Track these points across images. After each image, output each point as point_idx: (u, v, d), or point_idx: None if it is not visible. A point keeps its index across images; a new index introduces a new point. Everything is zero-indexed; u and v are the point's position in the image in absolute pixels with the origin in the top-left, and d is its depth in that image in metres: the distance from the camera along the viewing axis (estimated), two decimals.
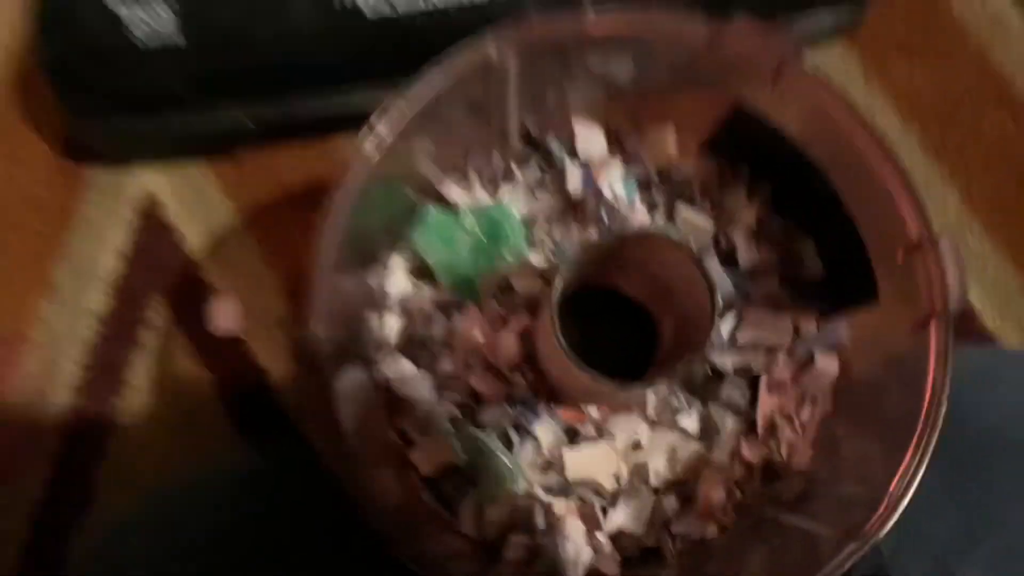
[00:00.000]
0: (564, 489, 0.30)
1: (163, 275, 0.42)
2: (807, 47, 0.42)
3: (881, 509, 0.23)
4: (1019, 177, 0.43)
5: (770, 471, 0.30)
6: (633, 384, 0.24)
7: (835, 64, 0.44)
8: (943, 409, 0.24)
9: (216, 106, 0.38)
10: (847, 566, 0.23)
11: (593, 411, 0.31)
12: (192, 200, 0.42)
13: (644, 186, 0.32)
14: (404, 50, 0.37)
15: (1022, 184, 0.43)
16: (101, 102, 0.37)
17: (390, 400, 0.30)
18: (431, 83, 0.26)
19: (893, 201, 0.26)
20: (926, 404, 0.24)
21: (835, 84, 0.28)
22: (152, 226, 0.42)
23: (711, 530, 0.30)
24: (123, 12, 0.36)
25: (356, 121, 0.41)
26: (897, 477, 0.23)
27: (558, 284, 0.25)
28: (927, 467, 0.24)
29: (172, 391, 0.41)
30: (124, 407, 0.40)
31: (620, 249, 0.26)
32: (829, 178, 0.28)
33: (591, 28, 0.26)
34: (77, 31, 0.36)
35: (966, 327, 0.42)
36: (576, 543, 0.28)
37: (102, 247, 0.42)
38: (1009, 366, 0.34)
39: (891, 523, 0.23)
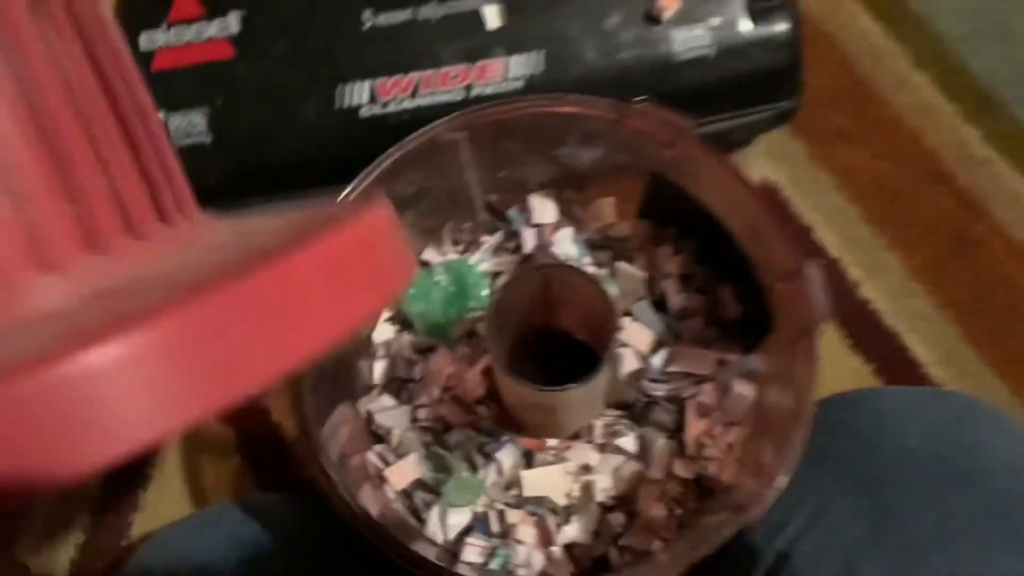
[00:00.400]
0: (522, 504, 0.34)
1: None
2: (754, 138, 0.48)
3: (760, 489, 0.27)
4: (954, 243, 0.48)
5: (705, 489, 0.34)
6: (551, 388, 0.29)
7: (783, 149, 0.50)
8: (809, 408, 0.28)
9: (243, 198, 0.45)
10: (726, 534, 0.27)
11: (552, 441, 0.35)
12: None
13: (592, 247, 0.37)
14: (392, 143, 0.44)
15: (957, 249, 0.48)
16: None
17: (370, 428, 0.35)
18: (391, 156, 0.33)
19: (772, 241, 0.31)
20: (796, 403, 0.28)
21: (717, 149, 0.33)
22: None
23: (656, 544, 0.34)
24: (164, 118, 0.43)
25: None
26: (770, 463, 0.27)
27: (490, 309, 0.30)
28: (801, 456, 0.28)
29: (197, 446, 0.46)
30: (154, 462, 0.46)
31: (546, 286, 0.32)
32: (729, 229, 0.33)
33: (522, 110, 0.33)
34: None
35: (911, 376, 0.46)
36: (528, 548, 0.33)
37: None
38: (928, 399, 0.38)
39: (766, 501, 0.27)
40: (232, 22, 0.44)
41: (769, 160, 0.49)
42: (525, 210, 0.38)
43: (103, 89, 0.18)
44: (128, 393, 0.12)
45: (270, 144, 0.44)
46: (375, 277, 0.16)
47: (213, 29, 0.44)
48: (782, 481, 0.28)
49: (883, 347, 0.46)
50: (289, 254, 0.14)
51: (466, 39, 0.43)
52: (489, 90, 0.43)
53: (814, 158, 0.49)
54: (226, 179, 0.44)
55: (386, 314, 0.37)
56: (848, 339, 0.47)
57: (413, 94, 0.43)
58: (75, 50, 0.17)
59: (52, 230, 0.15)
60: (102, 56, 0.18)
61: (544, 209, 0.37)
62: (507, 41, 0.43)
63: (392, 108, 0.43)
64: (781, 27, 0.44)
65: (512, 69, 0.43)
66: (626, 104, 0.33)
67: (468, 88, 0.43)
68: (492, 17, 0.43)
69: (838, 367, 0.46)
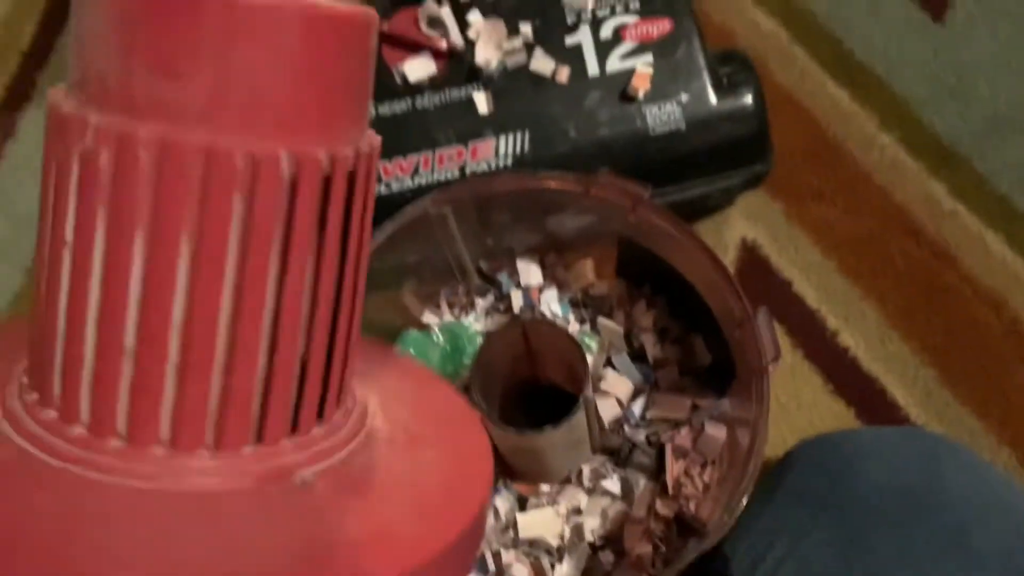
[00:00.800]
0: (517, 545, 0.37)
1: None
2: (731, 200, 0.52)
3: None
4: (926, 291, 0.51)
5: (686, 526, 0.37)
6: (529, 430, 0.33)
7: (761, 209, 0.53)
8: (761, 442, 0.31)
9: None
10: (689, 557, 0.30)
11: (545, 487, 0.38)
12: None
13: (574, 305, 0.41)
14: None
15: (929, 296, 0.50)
16: None
17: None
18: (385, 231, 0.37)
19: (726, 294, 0.35)
20: (749, 441, 0.31)
21: (671, 214, 0.37)
22: None
23: None
24: None
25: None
26: (728, 496, 0.30)
27: (474, 362, 0.34)
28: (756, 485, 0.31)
29: None
30: None
31: (525, 339, 0.35)
32: (693, 284, 0.37)
33: (500, 186, 0.37)
34: None
35: (892, 419, 0.48)
36: None
37: None
38: (899, 438, 0.41)
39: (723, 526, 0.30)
40: None
41: (748, 220, 0.53)
42: (514, 273, 0.41)
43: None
44: None
45: None
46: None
47: None
48: (738, 507, 0.30)
49: (863, 391, 0.49)
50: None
51: (460, 123, 0.48)
52: (482, 168, 0.47)
53: (791, 216, 0.53)
54: None
55: None
56: (829, 384, 0.49)
57: (413, 174, 0.47)
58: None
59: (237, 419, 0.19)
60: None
61: (530, 272, 0.41)
62: (496, 123, 0.47)
63: (395, 188, 0.48)
64: (746, 99, 0.48)
65: (501, 148, 0.47)
66: (590, 176, 0.37)
67: (463, 168, 0.47)
68: (482, 103, 0.47)
69: (821, 411, 0.49)
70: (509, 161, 0.47)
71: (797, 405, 0.49)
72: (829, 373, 0.50)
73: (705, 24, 0.50)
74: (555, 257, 0.41)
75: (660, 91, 0.47)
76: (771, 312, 0.34)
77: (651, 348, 0.39)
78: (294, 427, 0.20)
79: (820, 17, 0.57)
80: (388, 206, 0.48)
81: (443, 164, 0.47)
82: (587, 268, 0.41)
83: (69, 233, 0.18)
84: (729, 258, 0.53)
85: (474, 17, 0.48)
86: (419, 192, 0.47)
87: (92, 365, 0.18)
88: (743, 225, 0.53)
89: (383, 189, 0.47)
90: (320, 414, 0.20)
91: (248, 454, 0.19)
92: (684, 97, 0.47)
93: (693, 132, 0.47)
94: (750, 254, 0.52)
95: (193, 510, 0.17)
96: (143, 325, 0.18)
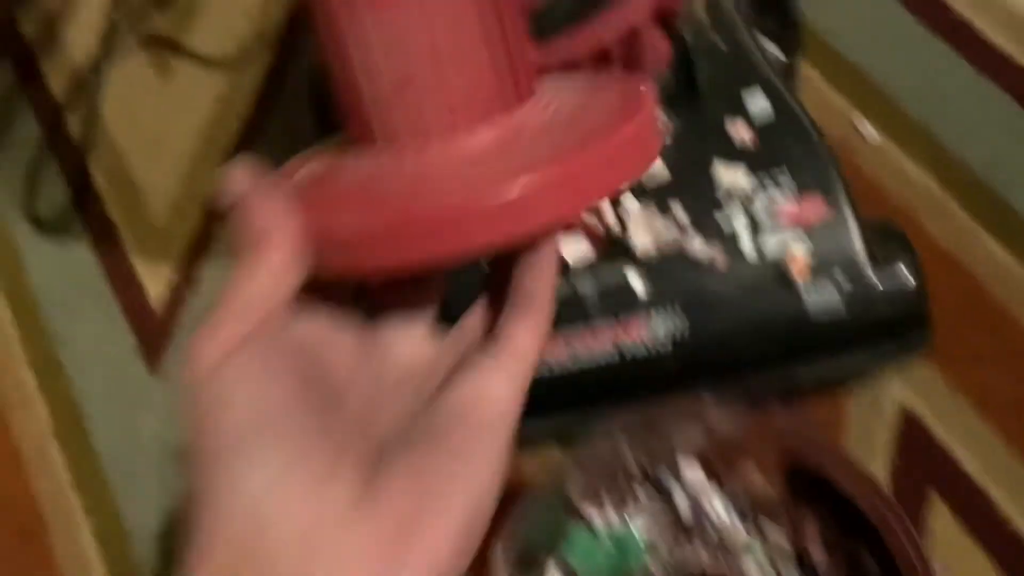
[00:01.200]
0: None
1: None
2: (878, 373, 0.51)
3: None
4: None
5: None
6: None
7: (918, 379, 0.52)
8: None
9: None
10: None
11: None
12: None
13: (739, 510, 0.42)
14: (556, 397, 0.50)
15: None
16: None
17: None
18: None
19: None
20: None
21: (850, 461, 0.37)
22: None
23: None
24: None
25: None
26: None
27: None
28: None
29: None
30: None
31: None
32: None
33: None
34: None
35: None
36: None
37: None
38: None
39: None
40: None
41: (906, 387, 0.52)
42: (676, 472, 0.42)
43: None
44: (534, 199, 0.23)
45: None
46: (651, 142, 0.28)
47: None
48: None
49: None
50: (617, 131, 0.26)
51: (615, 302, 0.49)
52: (641, 352, 0.48)
53: (951, 383, 0.52)
54: None
55: (557, 572, 0.42)
56: (999, 568, 0.48)
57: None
58: None
59: (492, 93, 0.27)
60: None
61: (692, 470, 0.42)
62: (652, 302, 0.48)
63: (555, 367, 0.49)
64: (906, 280, 0.48)
65: (660, 330, 0.48)
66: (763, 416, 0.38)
67: (618, 347, 0.48)
68: (638, 284, 0.48)
69: None
70: (668, 343, 0.48)
71: None
72: (998, 555, 0.48)
73: (852, 176, 0.50)
74: (715, 452, 0.42)
75: (817, 274, 0.47)
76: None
77: (820, 560, 0.39)
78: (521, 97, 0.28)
79: (975, 167, 0.56)
80: (544, 385, 0.49)
81: (599, 343, 0.49)
82: (749, 468, 0.41)
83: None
84: (888, 427, 0.52)
85: (629, 203, 0.49)
86: (574, 372, 0.49)
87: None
88: (901, 393, 0.52)
89: (542, 370, 0.49)
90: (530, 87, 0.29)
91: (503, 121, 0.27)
92: (842, 280, 0.47)
93: (852, 315, 0.47)
94: (910, 424, 0.52)
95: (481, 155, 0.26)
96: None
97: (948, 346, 0.52)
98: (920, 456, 0.51)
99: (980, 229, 0.55)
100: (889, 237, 0.49)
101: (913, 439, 0.51)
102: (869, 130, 0.59)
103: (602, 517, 0.42)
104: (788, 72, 0.58)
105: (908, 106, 0.59)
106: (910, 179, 0.57)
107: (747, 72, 0.51)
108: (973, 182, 0.56)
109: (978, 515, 0.49)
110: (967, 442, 0.51)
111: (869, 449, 0.51)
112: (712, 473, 0.42)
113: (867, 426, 0.52)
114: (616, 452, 0.41)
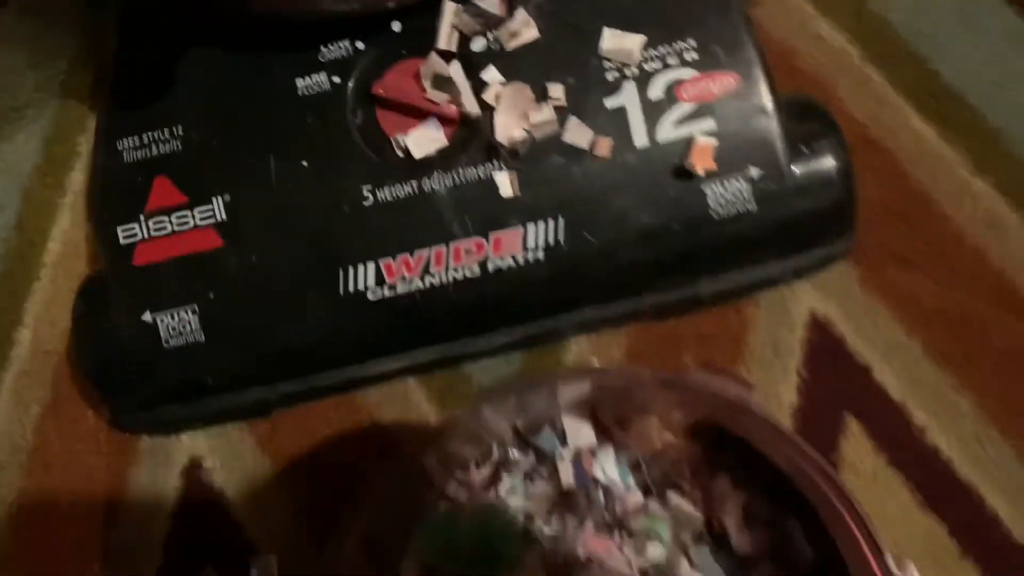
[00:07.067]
0: None
1: (210, 537, 0.44)
2: (805, 278, 0.44)
3: None
4: None
5: None
6: None
7: (833, 277, 0.45)
8: None
9: (242, 390, 0.41)
10: None
11: None
12: (231, 460, 0.45)
13: (635, 468, 0.33)
14: (405, 325, 0.40)
15: None
16: (139, 398, 0.41)
17: None
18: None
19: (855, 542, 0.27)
20: None
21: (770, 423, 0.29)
22: (197, 489, 0.45)
23: None
24: (151, 319, 0.39)
25: (374, 380, 0.44)
26: None
27: None
28: None
29: None
30: None
31: None
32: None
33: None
34: (111, 342, 0.40)
35: (992, 537, 0.42)
36: None
37: (155, 512, 0.45)
38: None
39: None
40: (217, 208, 0.39)
41: (818, 291, 0.45)
42: (562, 438, 0.34)
43: None
44: None
45: (271, 336, 0.40)
46: None
47: (196, 218, 0.39)
48: None
49: (958, 504, 0.42)
50: None
51: (478, 209, 0.39)
52: (508, 264, 0.39)
53: (868, 286, 0.45)
54: (224, 375, 0.41)
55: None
56: (918, 495, 0.42)
57: (424, 274, 0.39)
58: None
59: None
60: None
61: (580, 432, 0.33)
62: (523, 209, 0.39)
63: (401, 290, 0.39)
64: (829, 166, 0.39)
65: (531, 239, 0.39)
66: (676, 377, 0.29)
67: (484, 263, 0.39)
68: (505, 184, 0.38)
69: (910, 529, 0.42)
70: (541, 255, 0.39)
71: (882, 521, 0.42)
72: (918, 482, 0.42)
73: (760, 39, 0.40)
74: (610, 412, 0.33)
75: (724, 165, 0.38)
76: None
77: (737, 537, 0.32)
78: None
79: (899, 29, 0.48)
80: (394, 312, 0.40)
81: (460, 260, 0.39)
82: (651, 428, 0.33)
83: None
84: (796, 337, 0.45)
85: (491, 75, 0.39)
86: (430, 295, 0.39)
87: None
88: (812, 296, 0.45)
89: (386, 292, 0.39)
90: None
91: None
92: (753, 171, 0.38)
93: (765, 212, 0.39)
94: (821, 334, 0.44)
95: None
96: None
97: (866, 244, 0.45)
98: (833, 370, 0.44)
99: (905, 103, 0.47)
100: (809, 116, 0.41)
101: (825, 350, 0.44)
102: None
103: (469, 493, 0.34)
104: None
105: None
106: (826, 43, 0.48)
107: None
108: (896, 44, 0.47)
109: (895, 434, 0.43)
110: (885, 354, 0.44)
111: (775, 362, 0.44)
112: (606, 435, 0.34)
113: (773, 335, 0.45)
114: (489, 415, 0.32)
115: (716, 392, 0.29)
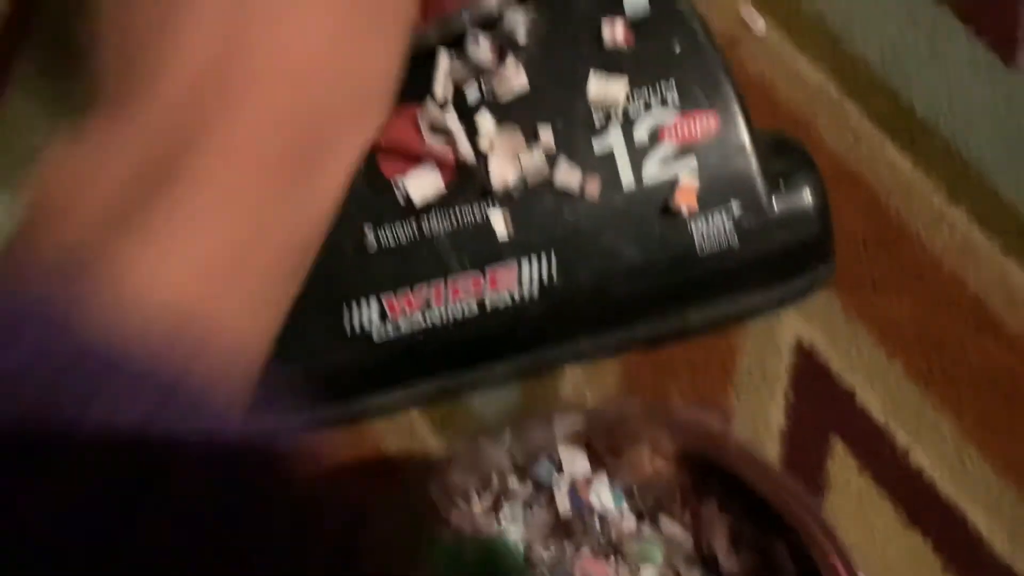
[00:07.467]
0: None
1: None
2: (789, 307, 0.45)
3: None
4: (1008, 398, 0.45)
5: None
6: None
7: (816, 304, 0.47)
8: None
9: None
10: None
11: None
12: None
13: (628, 494, 0.35)
14: (408, 359, 0.42)
15: (1012, 404, 0.45)
16: None
17: None
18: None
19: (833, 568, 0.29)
20: None
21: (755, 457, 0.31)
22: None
23: None
24: None
25: (376, 413, 0.46)
26: None
27: None
28: None
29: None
30: None
31: None
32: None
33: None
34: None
35: (974, 553, 0.43)
36: None
37: None
38: None
39: None
40: None
41: (802, 318, 0.47)
42: (558, 466, 0.35)
43: None
44: None
45: (275, 371, 0.42)
46: None
47: None
48: None
49: (941, 521, 0.44)
50: None
51: (475, 248, 0.41)
52: (504, 300, 0.41)
53: (850, 312, 0.47)
54: None
55: None
56: (903, 514, 0.44)
57: (425, 310, 0.41)
58: None
59: None
60: None
61: (575, 460, 0.35)
62: (517, 247, 0.41)
63: (404, 328, 0.41)
64: (806, 201, 0.41)
65: (524, 275, 0.41)
66: (664, 410, 0.31)
67: (481, 300, 0.41)
68: (500, 224, 0.40)
69: (895, 546, 0.44)
70: (535, 290, 0.41)
71: (868, 538, 0.44)
72: (902, 500, 0.44)
73: (738, 73, 0.43)
74: (603, 441, 0.35)
75: (707, 202, 0.40)
76: None
77: (725, 560, 0.33)
78: None
79: (874, 65, 0.50)
80: (397, 347, 0.41)
81: (458, 296, 0.41)
82: (642, 456, 0.35)
83: None
84: (783, 362, 0.46)
85: (484, 121, 0.41)
86: (431, 330, 0.41)
87: None
88: (797, 323, 0.47)
89: (389, 328, 0.41)
90: None
91: None
92: (735, 207, 0.40)
93: (747, 246, 0.40)
94: (807, 359, 0.46)
95: None
96: None
97: (847, 271, 0.47)
98: (818, 394, 0.46)
99: (881, 135, 0.49)
100: (786, 152, 0.43)
101: (810, 375, 0.46)
102: (757, 19, 0.52)
103: (470, 521, 0.35)
104: None
105: None
106: (804, 79, 0.50)
107: None
108: (873, 81, 0.49)
109: (879, 454, 0.45)
110: (868, 377, 0.46)
111: (763, 386, 0.46)
112: (600, 464, 0.35)
113: (761, 361, 0.47)
114: (487, 448, 0.34)
115: (700, 425, 0.31)
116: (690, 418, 0.31)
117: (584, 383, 0.47)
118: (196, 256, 0.20)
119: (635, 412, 0.31)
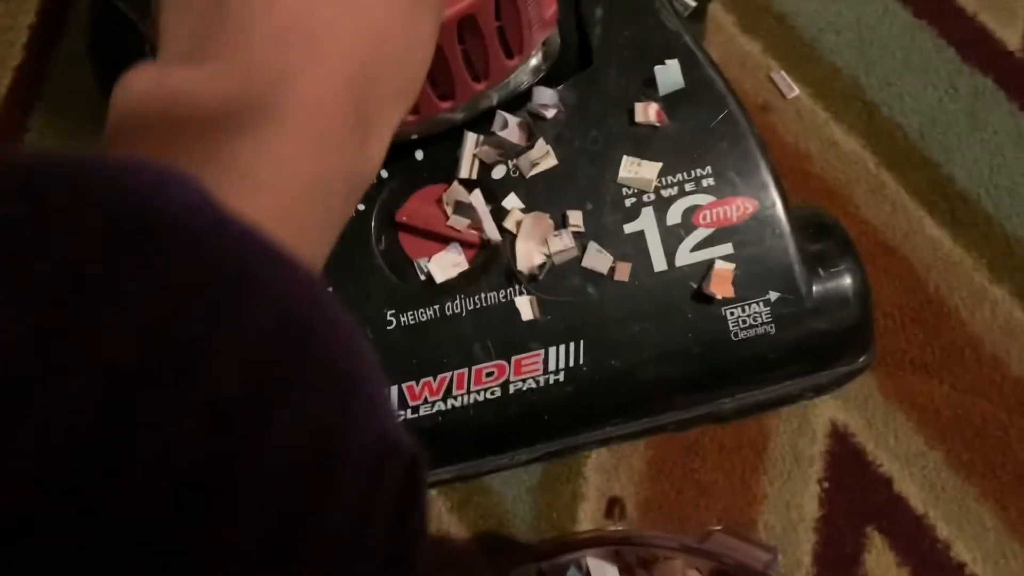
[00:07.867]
0: None
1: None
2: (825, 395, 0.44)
3: None
4: None
5: None
6: None
7: (853, 390, 0.45)
8: None
9: None
10: None
11: None
12: None
13: None
14: (425, 446, 0.40)
15: None
16: None
17: None
18: None
19: None
20: None
21: None
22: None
23: None
24: None
25: None
26: None
27: None
28: None
29: None
30: None
31: None
32: None
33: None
34: None
35: None
36: None
37: None
38: None
39: None
40: None
41: (837, 399, 0.45)
42: (583, 571, 0.34)
43: None
44: None
45: None
46: None
47: None
48: None
49: None
50: None
51: (499, 333, 0.39)
52: (529, 386, 0.39)
53: (887, 393, 0.45)
54: None
55: None
56: None
57: (446, 396, 0.39)
58: None
59: None
60: None
61: (603, 571, 0.33)
62: (544, 333, 0.39)
63: (424, 412, 0.40)
64: (845, 287, 0.40)
65: (551, 362, 0.39)
66: (701, 546, 0.29)
67: (505, 385, 0.39)
68: (526, 308, 0.39)
69: None
70: (561, 377, 0.39)
71: None
72: None
73: (770, 139, 0.41)
74: (633, 552, 0.33)
75: (742, 288, 0.38)
76: None
77: None
78: None
79: (912, 135, 0.48)
80: (415, 434, 0.40)
81: (481, 383, 0.39)
82: (676, 570, 0.33)
83: None
84: (817, 447, 0.45)
85: (511, 203, 0.39)
86: (452, 416, 0.40)
87: None
88: (832, 406, 0.45)
89: (408, 414, 0.39)
90: None
91: None
92: (772, 293, 0.39)
93: (783, 333, 0.39)
94: (842, 443, 0.44)
95: None
96: None
97: (884, 349, 0.45)
98: (854, 481, 0.44)
99: (920, 208, 0.47)
100: (824, 233, 0.41)
101: (846, 460, 0.44)
102: (789, 84, 0.50)
103: None
104: (696, 16, 0.48)
105: (835, 57, 0.50)
106: (839, 147, 0.49)
107: (651, 28, 0.41)
108: (911, 152, 0.48)
109: (917, 547, 0.43)
110: (906, 464, 0.44)
111: (796, 472, 0.44)
112: (630, 574, 0.34)
113: (794, 445, 0.45)
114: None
115: (740, 560, 0.29)
116: (730, 549, 0.29)
117: (610, 465, 0.45)
118: (280, 192, 0.22)
119: (670, 546, 0.29)
